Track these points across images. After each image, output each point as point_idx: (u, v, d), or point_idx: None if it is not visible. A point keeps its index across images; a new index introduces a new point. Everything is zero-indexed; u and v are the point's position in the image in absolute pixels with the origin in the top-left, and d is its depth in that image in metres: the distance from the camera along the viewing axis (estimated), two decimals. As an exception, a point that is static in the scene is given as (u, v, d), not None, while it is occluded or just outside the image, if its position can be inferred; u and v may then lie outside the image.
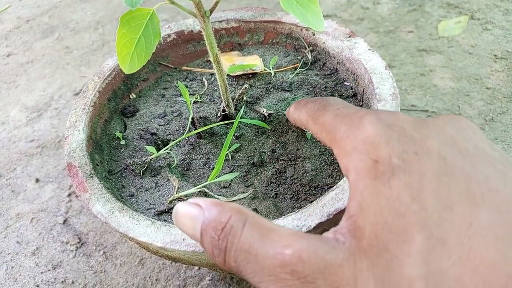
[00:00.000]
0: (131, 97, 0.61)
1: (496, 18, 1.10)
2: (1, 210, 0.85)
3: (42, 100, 1.08)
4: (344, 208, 0.33)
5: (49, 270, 0.75)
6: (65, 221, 0.82)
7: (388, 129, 0.27)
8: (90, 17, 1.33)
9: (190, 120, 0.53)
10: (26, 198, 0.87)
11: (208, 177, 0.49)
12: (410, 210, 0.23)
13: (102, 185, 0.45)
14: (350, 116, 0.30)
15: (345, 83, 0.57)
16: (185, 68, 0.65)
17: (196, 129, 0.53)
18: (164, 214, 0.46)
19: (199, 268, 0.71)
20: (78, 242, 0.78)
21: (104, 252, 0.76)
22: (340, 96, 0.56)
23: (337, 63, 0.58)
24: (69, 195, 0.86)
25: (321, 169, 0.48)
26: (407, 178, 0.24)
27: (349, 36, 0.57)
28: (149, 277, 0.72)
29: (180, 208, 0.31)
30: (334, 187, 0.41)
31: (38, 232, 0.81)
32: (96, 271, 0.74)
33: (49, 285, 0.73)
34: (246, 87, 0.54)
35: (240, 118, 0.50)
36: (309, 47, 0.62)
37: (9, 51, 1.27)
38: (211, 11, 0.44)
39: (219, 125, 0.54)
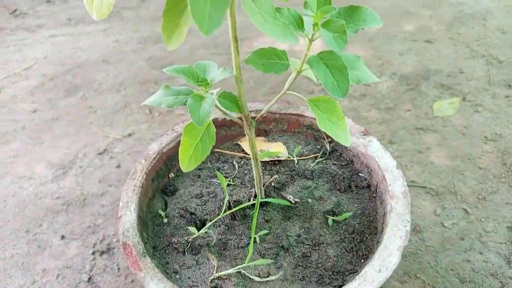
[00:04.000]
0: (170, 176, 0.69)
1: (485, 101, 1.22)
2: (28, 265, 0.91)
3: (66, 157, 1.16)
4: None
5: (74, 328, 0.80)
6: (89, 279, 0.87)
7: None
8: (113, 79, 1.44)
9: (226, 202, 0.61)
10: (52, 254, 0.92)
11: (243, 257, 0.56)
12: None
13: (154, 264, 0.52)
14: None
15: (360, 174, 0.66)
16: (217, 150, 0.73)
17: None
18: (207, 292, 0.53)
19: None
20: (102, 301, 0.83)
21: (127, 313, 0.81)
22: (356, 186, 0.64)
23: (353, 155, 0.68)
24: (93, 253, 0.92)
25: (341, 255, 0.55)
26: None
27: (364, 134, 0.67)
28: None
29: None
30: (357, 276, 0.48)
31: (63, 290, 0.86)
32: (119, 331, 0.79)
33: None
34: (276, 178, 0.62)
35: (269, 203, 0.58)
36: (327, 138, 0.71)
37: (34, 107, 1.35)
38: (257, 121, 0.53)
39: (250, 206, 0.62)
